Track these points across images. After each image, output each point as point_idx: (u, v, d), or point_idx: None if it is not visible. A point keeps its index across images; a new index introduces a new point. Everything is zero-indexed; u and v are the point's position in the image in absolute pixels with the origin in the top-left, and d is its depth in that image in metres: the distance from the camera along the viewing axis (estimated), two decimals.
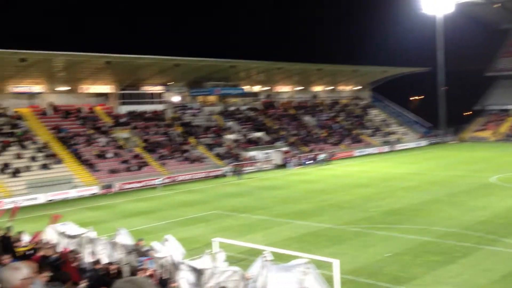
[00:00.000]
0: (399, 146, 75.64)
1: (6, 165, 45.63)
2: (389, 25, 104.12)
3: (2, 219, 21.29)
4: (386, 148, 73.81)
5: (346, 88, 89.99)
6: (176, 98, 67.82)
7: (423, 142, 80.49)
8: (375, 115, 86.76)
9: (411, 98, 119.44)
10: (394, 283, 18.78)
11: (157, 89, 65.15)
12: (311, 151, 65.79)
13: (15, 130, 50.83)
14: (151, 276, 14.40)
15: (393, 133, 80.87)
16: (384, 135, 78.88)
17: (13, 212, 19.60)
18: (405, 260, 21.52)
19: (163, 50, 75.07)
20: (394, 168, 53.32)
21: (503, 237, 24.28)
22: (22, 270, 3.68)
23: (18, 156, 47.51)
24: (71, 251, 15.41)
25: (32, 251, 14.24)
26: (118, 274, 11.66)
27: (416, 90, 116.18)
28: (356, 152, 69.64)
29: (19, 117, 52.93)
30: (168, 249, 17.65)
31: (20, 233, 17.09)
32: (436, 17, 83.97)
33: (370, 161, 62.22)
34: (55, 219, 20.52)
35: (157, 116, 63.09)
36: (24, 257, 12.44)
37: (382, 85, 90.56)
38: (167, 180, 49.67)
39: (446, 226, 26.79)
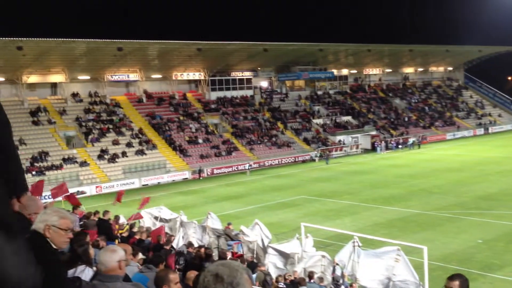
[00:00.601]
0: (494, 129, 72.17)
1: (104, 151, 48.60)
2: (483, 2, 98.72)
3: (106, 202, 22.90)
4: (480, 131, 70.71)
5: (438, 69, 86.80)
6: (264, 83, 68.71)
7: None
8: (469, 96, 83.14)
9: (507, 78, 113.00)
10: (486, 271, 18.48)
11: (246, 74, 66.31)
12: (401, 134, 64.43)
13: (112, 117, 53.90)
14: (240, 259, 14.92)
15: (487, 115, 77.19)
16: (478, 117, 75.50)
17: (118, 197, 20.78)
18: (498, 247, 21.02)
19: (252, 35, 76.15)
20: (489, 152, 51.15)
21: None
22: (119, 252, 3.85)
23: (115, 143, 50.40)
24: (165, 234, 16.25)
25: (127, 234, 15.11)
26: (208, 257, 12.26)
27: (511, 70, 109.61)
28: (449, 135, 67.31)
29: (116, 105, 55.99)
30: (256, 233, 18.22)
31: (116, 217, 17.80)
32: None
33: (463, 144, 60.00)
34: (145, 202, 21.76)
35: (245, 102, 64.31)
36: (120, 239, 13.21)
37: (476, 65, 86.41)
38: (255, 165, 50.72)
39: None
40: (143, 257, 9.87)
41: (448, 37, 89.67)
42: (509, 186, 33.11)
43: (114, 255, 3.80)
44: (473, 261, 19.55)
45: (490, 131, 71.30)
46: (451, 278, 4.37)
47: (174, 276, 4.86)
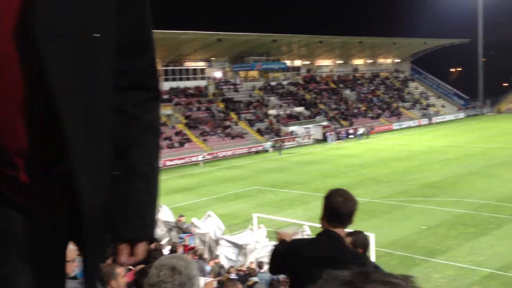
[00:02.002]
0: (437, 119, 75.05)
1: None
2: None
3: None
4: (424, 121, 73.36)
5: (386, 61, 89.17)
6: (218, 74, 68.85)
7: (461, 115, 79.66)
8: (415, 88, 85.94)
9: (450, 70, 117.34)
10: (430, 256, 19.57)
11: (200, 64, 66.26)
12: (350, 125, 66.09)
13: None
14: (192, 251, 15.14)
15: (432, 105, 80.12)
16: (423, 108, 78.23)
17: None
18: (441, 232, 22.25)
19: (206, 25, 75.94)
20: (433, 141, 53.30)
21: None
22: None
23: None
24: None
25: None
26: (158, 251, 12.38)
27: (455, 62, 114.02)
28: (395, 126, 69.51)
29: None
30: (209, 225, 18.37)
31: None
32: None
33: (409, 134, 62.17)
34: None
35: (199, 92, 64.37)
36: None
37: (422, 57, 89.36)
38: (209, 157, 51.06)
39: (482, 198, 27.28)
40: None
41: (395, 30, 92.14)
42: (451, 174, 34.77)
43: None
44: (417, 246, 20.67)
45: (433, 121, 74.00)
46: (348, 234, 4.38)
47: (121, 270, 4.90)
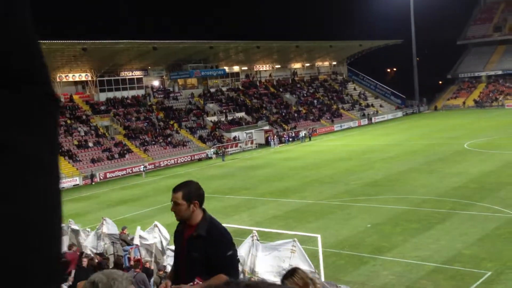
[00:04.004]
0: (376, 119, 76.80)
1: None
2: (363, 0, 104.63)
3: None
4: (364, 121, 74.88)
5: (324, 64, 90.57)
6: (156, 83, 67.77)
7: (399, 113, 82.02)
8: (353, 89, 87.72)
9: (386, 71, 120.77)
10: (376, 253, 19.60)
11: (136, 74, 64.98)
12: (292, 128, 66.48)
13: None
14: (136, 263, 14.59)
15: (370, 106, 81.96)
16: (362, 109, 79.86)
17: None
18: (386, 229, 22.40)
19: (140, 34, 74.72)
20: (373, 141, 54.31)
21: (476, 201, 25.35)
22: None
23: None
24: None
25: None
26: (100, 265, 11.78)
27: (390, 63, 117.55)
28: (336, 127, 70.55)
29: None
30: (155, 235, 17.89)
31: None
32: None
33: (350, 134, 63.18)
34: None
35: (137, 102, 63.06)
36: None
37: (358, 59, 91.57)
38: (150, 166, 49.98)
39: (423, 194, 27.82)
40: None
41: (331, 34, 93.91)
42: (392, 172, 35.38)
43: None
44: (364, 245, 20.69)
45: (373, 121, 75.68)
46: (174, 190, 4.30)
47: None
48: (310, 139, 60.94)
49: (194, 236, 4.27)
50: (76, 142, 51.88)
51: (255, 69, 79.50)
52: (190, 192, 4.31)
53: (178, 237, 4.52)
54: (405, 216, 24.07)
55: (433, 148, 44.04)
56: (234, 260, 4.36)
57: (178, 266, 4.55)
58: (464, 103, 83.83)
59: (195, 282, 4.08)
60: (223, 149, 54.75)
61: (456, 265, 17.64)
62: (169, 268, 16.30)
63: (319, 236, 15.81)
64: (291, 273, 3.90)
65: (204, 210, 4.44)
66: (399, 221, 23.43)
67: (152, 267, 16.17)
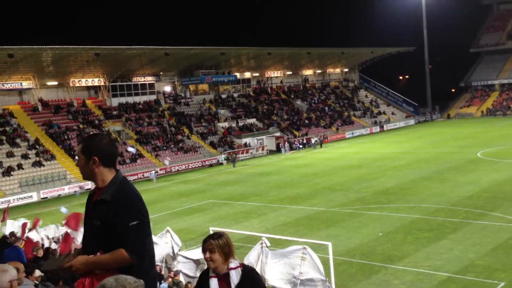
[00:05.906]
0: (388, 126, 76.43)
1: None
2: (375, 7, 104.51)
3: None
4: (376, 129, 74.57)
5: (335, 71, 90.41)
6: (167, 88, 67.98)
7: (411, 121, 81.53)
8: (364, 96, 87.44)
9: (398, 78, 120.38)
10: (388, 262, 19.41)
11: (148, 79, 65.22)
12: (304, 135, 66.34)
13: (5, 128, 50.78)
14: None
15: (382, 113, 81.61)
16: (373, 116, 79.55)
17: (4, 215, 19.46)
18: (397, 238, 22.19)
19: (153, 40, 75.08)
20: (385, 148, 54.04)
21: (489, 211, 25.06)
22: (10, 272, 3.70)
23: (10, 155, 47.56)
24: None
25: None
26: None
27: (402, 70, 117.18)
28: (348, 134, 70.30)
29: (9, 114, 52.95)
30: (167, 240, 17.93)
31: (12, 233, 16.85)
32: None
33: (361, 142, 62.89)
34: (35, 223, 20.36)
35: (149, 107, 63.27)
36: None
37: (370, 66, 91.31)
38: (161, 172, 50.03)
39: (436, 203, 27.54)
40: (41, 274, 9.49)
41: (343, 41, 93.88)
42: (404, 180, 35.12)
43: (5, 275, 3.66)
44: (375, 253, 20.50)
45: (385, 128, 75.35)
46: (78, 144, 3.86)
47: None
48: (321, 146, 60.76)
49: (98, 201, 3.72)
50: None
51: (266, 76, 79.50)
52: (90, 146, 3.72)
53: (88, 201, 3.94)
54: (417, 225, 23.84)
55: (446, 157, 43.69)
56: (139, 232, 3.74)
57: (84, 235, 3.98)
58: (481, 111, 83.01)
59: (96, 255, 3.65)
60: (234, 155, 54.72)
61: (469, 275, 17.43)
62: (180, 274, 16.36)
63: (330, 244, 15.68)
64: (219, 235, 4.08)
65: (117, 172, 3.84)
66: (411, 229, 23.21)
67: (163, 272, 16.20)
